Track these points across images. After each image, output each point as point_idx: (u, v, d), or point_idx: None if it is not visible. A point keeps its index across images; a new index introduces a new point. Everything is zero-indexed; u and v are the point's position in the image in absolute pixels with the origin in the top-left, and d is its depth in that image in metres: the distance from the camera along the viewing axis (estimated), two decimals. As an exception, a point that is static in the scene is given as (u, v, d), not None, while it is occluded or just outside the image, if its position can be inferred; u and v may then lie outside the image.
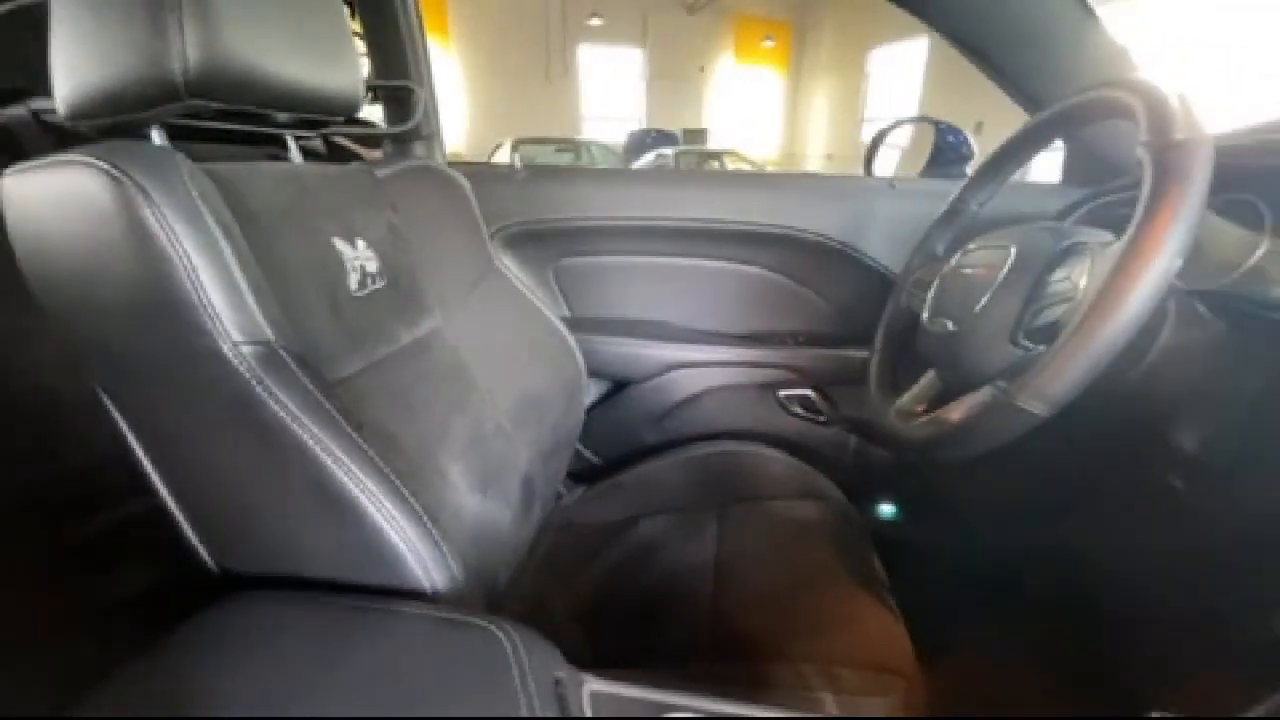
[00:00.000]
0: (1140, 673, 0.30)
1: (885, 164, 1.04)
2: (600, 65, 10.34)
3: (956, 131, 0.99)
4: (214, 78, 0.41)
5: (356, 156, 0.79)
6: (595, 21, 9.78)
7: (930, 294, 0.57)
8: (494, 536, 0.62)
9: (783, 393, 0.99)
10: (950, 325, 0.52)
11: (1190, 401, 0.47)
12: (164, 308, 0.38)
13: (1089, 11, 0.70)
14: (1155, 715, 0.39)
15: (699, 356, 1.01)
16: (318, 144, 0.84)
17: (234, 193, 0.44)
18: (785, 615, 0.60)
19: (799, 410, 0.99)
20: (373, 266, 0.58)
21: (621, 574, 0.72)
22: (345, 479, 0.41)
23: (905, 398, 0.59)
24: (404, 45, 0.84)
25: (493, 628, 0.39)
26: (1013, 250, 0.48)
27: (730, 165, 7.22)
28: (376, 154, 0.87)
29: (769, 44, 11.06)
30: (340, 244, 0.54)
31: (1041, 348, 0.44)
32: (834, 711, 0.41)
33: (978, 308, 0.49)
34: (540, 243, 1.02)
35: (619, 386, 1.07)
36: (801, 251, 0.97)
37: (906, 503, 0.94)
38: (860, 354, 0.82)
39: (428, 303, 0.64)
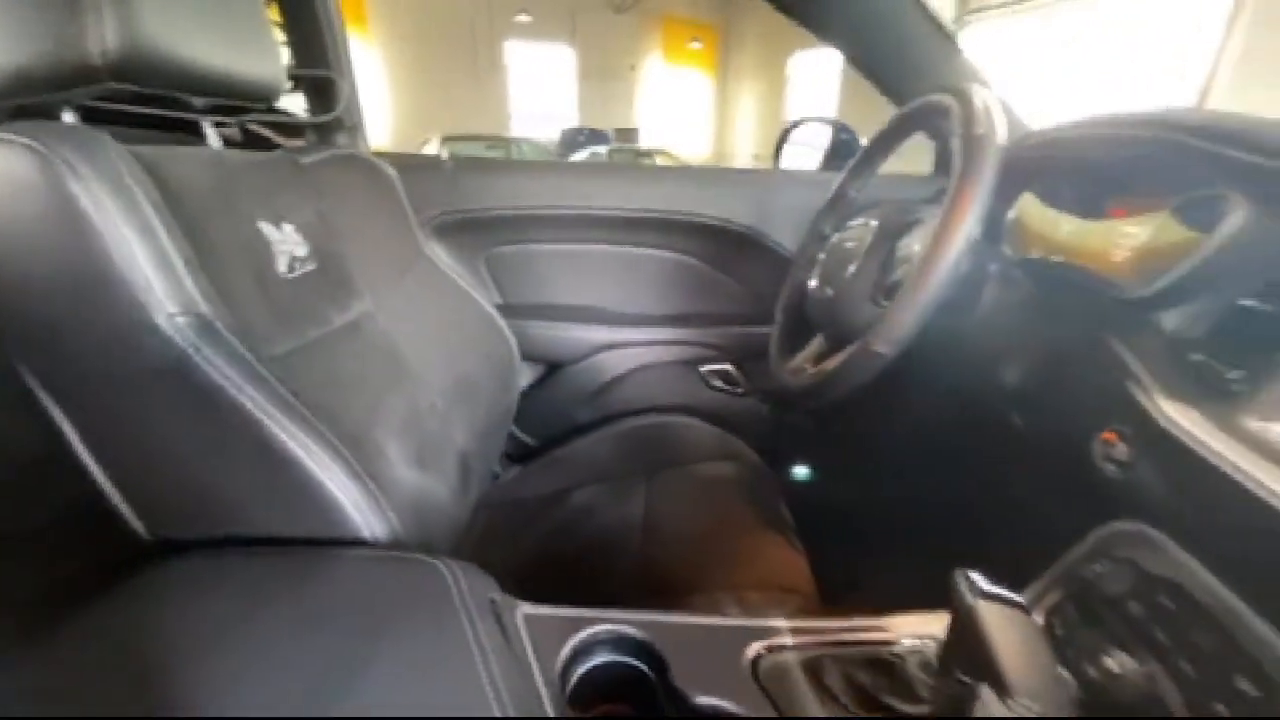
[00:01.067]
0: (997, 565, 0.38)
1: (800, 158, 1.15)
2: (530, 62, 10.22)
3: (850, 130, 1.11)
4: (134, 61, 0.42)
5: (276, 145, 0.79)
6: (523, 18, 9.67)
7: (816, 267, 0.66)
8: (432, 510, 0.64)
9: (704, 368, 1.07)
10: (830, 292, 0.61)
11: (1011, 347, 0.58)
12: (95, 282, 0.39)
13: (948, 36, 0.83)
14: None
15: (627, 337, 1.07)
16: (234, 132, 0.84)
17: (158, 173, 0.45)
18: (703, 557, 0.68)
19: (719, 383, 1.07)
20: (301, 251, 0.60)
21: (556, 540, 0.77)
22: (286, 438, 0.43)
23: (797, 358, 0.67)
24: (323, 34, 0.85)
25: (431, 559, 0.43)
26: (874, 225, 0.58)
27: (661, 164, 7.37)
28: (297, 143, 0.87)
29: (696, 46, 11.33)
30: (266, 227, 0.56)
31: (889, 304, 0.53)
32: (735, 622, 0.48)
33: (848, 274, 0.58)
34: (470, 232, 1.05)
35: (552, 369, 1.11)
36: (717, 238, 1.05)
37: (812, 461, 1.05)
38: (770, 330, 0.91)
39: (358, 287, 0.66)
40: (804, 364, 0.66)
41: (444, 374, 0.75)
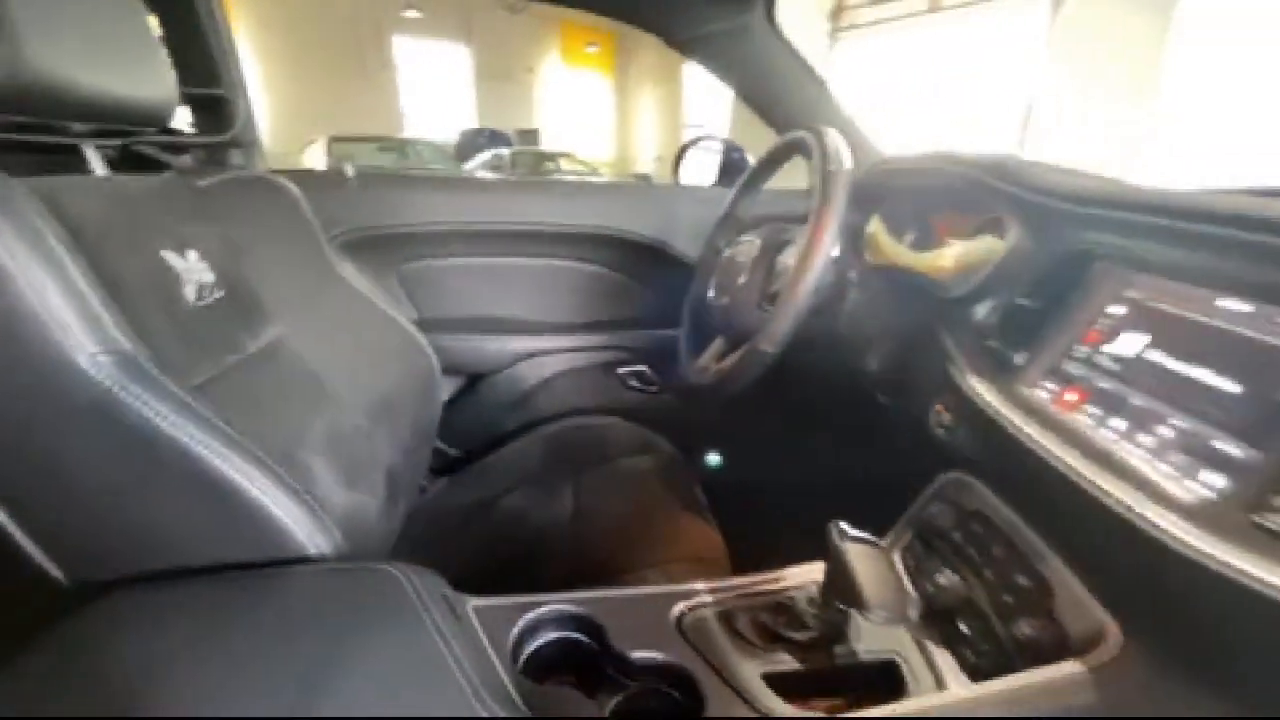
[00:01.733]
0: (869, 517, 0.48)
1: (701, 169, 1.25)
2: (422, 61, 9.80)
3: (739, 149, 1.23)
4: (19, 90, 0.42)
5: (164, 165, 0.76)
6: (411, 14, 9.25)
7: (712, 277, 0.75)
8: (364, 526, 0.66)
9: (621, 370, 1.15)
10: (725, 300, 0.71)
11: (871, 339, 0.70)
12: (9, 327, 0.38)
13: (819, 79, 0.97)
14: None
15: (545, 345, 1.12)
16: (113, 152, 0.79)
17: (59, 208, 0.44)
18: (630, 541, 0.75)
19: (635, 384, 1.15)
20: (208, 278, 0.59)
21: (490, 544, 0.81)
22: (224, 465, 0.44)
23: (703, 358, 0.77)
24: (211, 50, 0.82)
25: (384, 566, 0.46)
26: (757, 243, 0.68)
27: (566, 167, 7.37)
28: (184, 160, 0.84)
29: (593, 49, 11.42)
30: (171, 256, 0.56)
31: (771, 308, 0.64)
32: (660, 589, 0.56)
33: (738, 285, 0.67)
34: (381, 248, 1.05)
35: (473, 380, 1.14)
36: (627, 250, 1.13)
37: (722, 448, 1.16)
38: (679, 332, 1.00)
39: (269, 312, 0.65)
40: (708, 363, 0.75)
41: (365, 393, 0.76)
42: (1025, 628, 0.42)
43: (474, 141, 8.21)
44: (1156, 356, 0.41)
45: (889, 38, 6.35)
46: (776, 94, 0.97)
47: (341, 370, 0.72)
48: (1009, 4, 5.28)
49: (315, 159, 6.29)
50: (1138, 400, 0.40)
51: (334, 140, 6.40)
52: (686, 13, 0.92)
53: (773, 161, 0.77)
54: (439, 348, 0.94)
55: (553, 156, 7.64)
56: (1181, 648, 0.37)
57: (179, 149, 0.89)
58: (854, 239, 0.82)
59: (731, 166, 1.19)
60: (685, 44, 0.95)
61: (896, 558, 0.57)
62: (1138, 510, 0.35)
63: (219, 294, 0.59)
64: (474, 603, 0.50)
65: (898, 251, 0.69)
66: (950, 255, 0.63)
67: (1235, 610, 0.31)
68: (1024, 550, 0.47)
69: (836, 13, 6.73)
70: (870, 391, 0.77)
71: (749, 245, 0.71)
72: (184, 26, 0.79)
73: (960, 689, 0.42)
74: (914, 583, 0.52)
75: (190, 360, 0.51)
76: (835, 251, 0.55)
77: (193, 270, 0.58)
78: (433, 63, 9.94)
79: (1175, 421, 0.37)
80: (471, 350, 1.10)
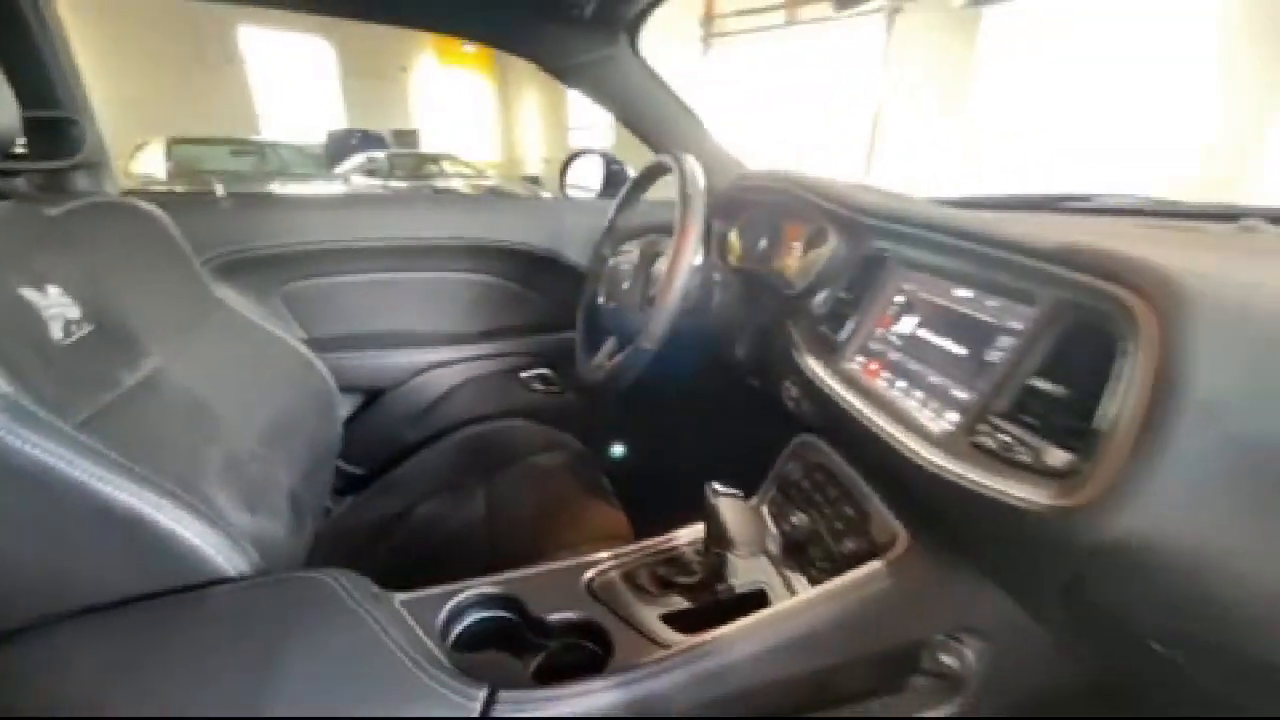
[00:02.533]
0: (745, 479, 0.60)
1: (587, 177, 1.33)
2: (277, 55, 8.94)
3: (619, 162, 1.33)
4: None
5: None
6: (257, 3, 8.38)
7: (601, 283, 0.84)
8: (274, 550, 0.67)
9: (524, 374, 1.20)
10: (612, 304, 0.80)
11: (736, 330, 0.83)
12: None
13: (685, 106, 1.09)
14: None
15: (446, 356, 1.15)
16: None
17: None
18: (542, 530, 0.81)
19: (539, 386, 1.21)
20: (74, 313, 0.58)
21: (405, 553, 0.83)
22: (128, 497, 0.45)
23: (597, 357, 0.85)
24: (49, 70, 0.77)
25: (310, 574, 0.50)
26: (636, 253, 0.78)
27: (450, 170, 7.09)
28: (19, 183, 0.77)
29: (470, 49, 11.07)
30: (29, 293, 0.54)
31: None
32: (571, 562, 0.63)
33: (623, 290, 0.77)
34: (261, 269, 1.02)
35: (373, 397, 1.14)
36: (520, 260, 1.18)
37: (623, 439, 1.25)
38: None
39: (144, 342, 0.64)
40: (602, 361, 0.84)
41: (258, 417, 0.75)
42: (849, 544, 0.55)
43: (344, 143, 7.67)
44: (923, 333, 0.56)
45: (755, 46, 6.85)
46: (647, 117, 1.08)
47: (230, 396, 0.72)
48: (853, 22, 5.93)
49: (150, 165, 5.52)
50: (912, 365, 0.55)
51: (174, 142, 5.66)
52: (556, 45, 1.00)
53: (644, 180, 0.87)
54: (334, 366, 0.93)
55: (434, 159, 7.31)
56: (945, 540, 0.51)
57: (11, 174, 0.81)
58: (720, 245, 0.95)
59: (613, 178, 1.29)
60: (558, 71, 1.03)
61: (765, 510, 0.70)
62: (909, 445, 0.48)
63: (88, 329, 0.58)
64: (400, 598, 0.55)
65: (752, 255, 0.83)
66: (793, 258, 0.77)
67: (967, 507, 0.45)
68: (850, 489, 0.61)
69: (707, 21, 7.16)
70: (740, 374, 0.90)
71: (630, 254, 0.81)
72: (18, 46, 0.73)
73: (803, 594, 0.55)
74: (776, 525, 0.65)
75: (68, 399, 0.50)
76: (698, 260, 0.66)
77: (55, 306, 0.56)
78: (289, 58, 9.10)
79: (932, 379, 0.52)
80: (368, 367, 1.10)
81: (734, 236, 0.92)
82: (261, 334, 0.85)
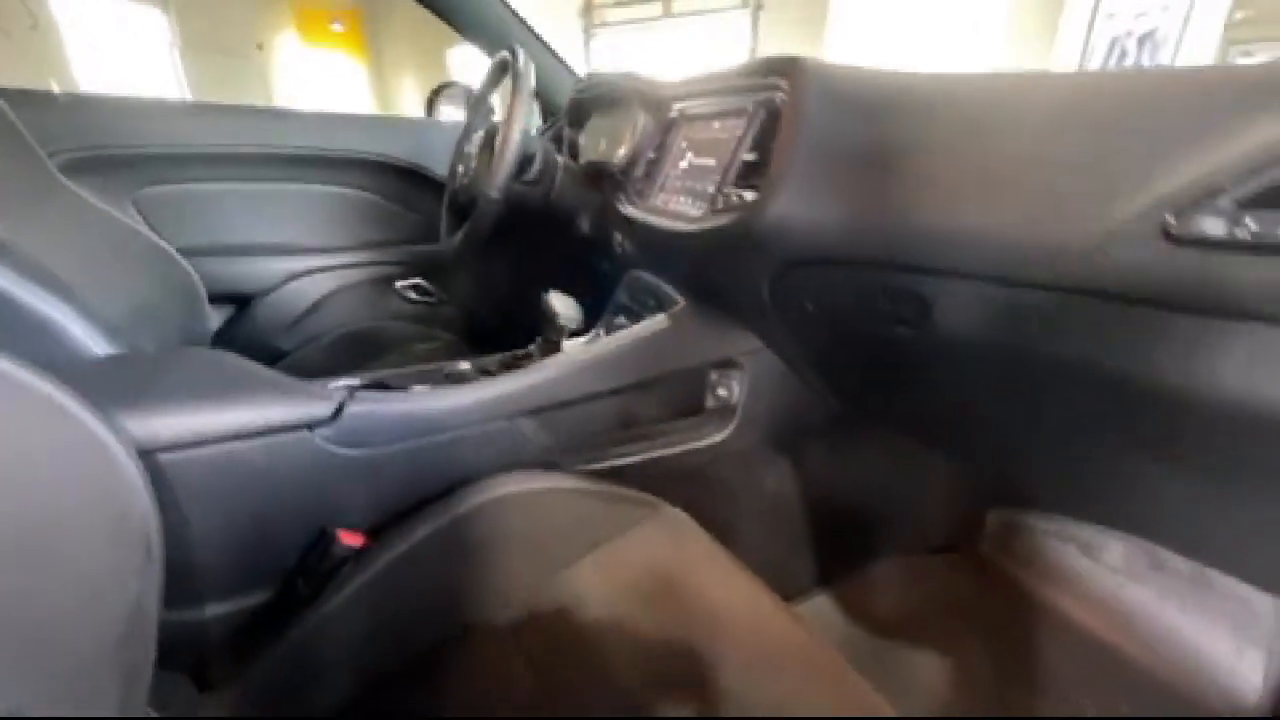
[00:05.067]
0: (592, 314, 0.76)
1: (454, 106, 1.41)
2: (101, 23, 7.80)
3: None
4: None
5: None
6: (72, -38, 7.29)
7: (461, 168, 0.96)
8: None
9: (398, 284, 1.28)
10: (466, 180, 0.92)
11: (582, 210, 0.99)
12: None
13: (529, 29, 1.22)
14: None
15: (317, 264, 1.19)
16: None
17: None
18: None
19: (413, 295, 1.29)
20: None
21: None
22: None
23: (456, 239, 0.97)
24: None
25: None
26: (482, 133, 0.90)
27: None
28: None
29: (338, 28, 10.36)
30: None
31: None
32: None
33: (474, 163, 0.89)
34: (111, 171, 1.01)
35: (241, 305, 1.16)
36: (387, 174, 1.25)
37: (495, 335, 1.36)
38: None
39: None
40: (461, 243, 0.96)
41: (121, 305, 0.75)
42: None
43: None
44: (696, 161, 0.74)
45: (635, 36, 7.13)
46: (489, 25, 1.20)
47: (88, 279, 0.70)
48: (723, 17, 6.38)
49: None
50: (689, 183, 0.73)
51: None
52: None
53: (494, 75, 1.00)
54: (203, 272, 0.95)
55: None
56: (710, 297, 0.70)
57: None
58: (571, 147, 1.11)
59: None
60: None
61: (603, 330, 0.86)
62: (679, 228, 0.66)
63: None
64: None
65: (593, 152, 0.99)
66: (621, 143, 0.94)
67: (709, 246, 0.63)
68: (658, 292, 0.78)
69: (587, 10, 7.33)
70: (586, 247, 1.05)
71: (478, 136, 0.94)
72: None
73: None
74: (607, 332, 0.81)
75: None
76: (533, 124, 0.80)
77: None
78: (116, 28, 7.99)
79: (698, 186, 0.70)
80: (234, 273, 1.12)
81: (582, 139, 1.08)
82: (120, 226, 0.86)
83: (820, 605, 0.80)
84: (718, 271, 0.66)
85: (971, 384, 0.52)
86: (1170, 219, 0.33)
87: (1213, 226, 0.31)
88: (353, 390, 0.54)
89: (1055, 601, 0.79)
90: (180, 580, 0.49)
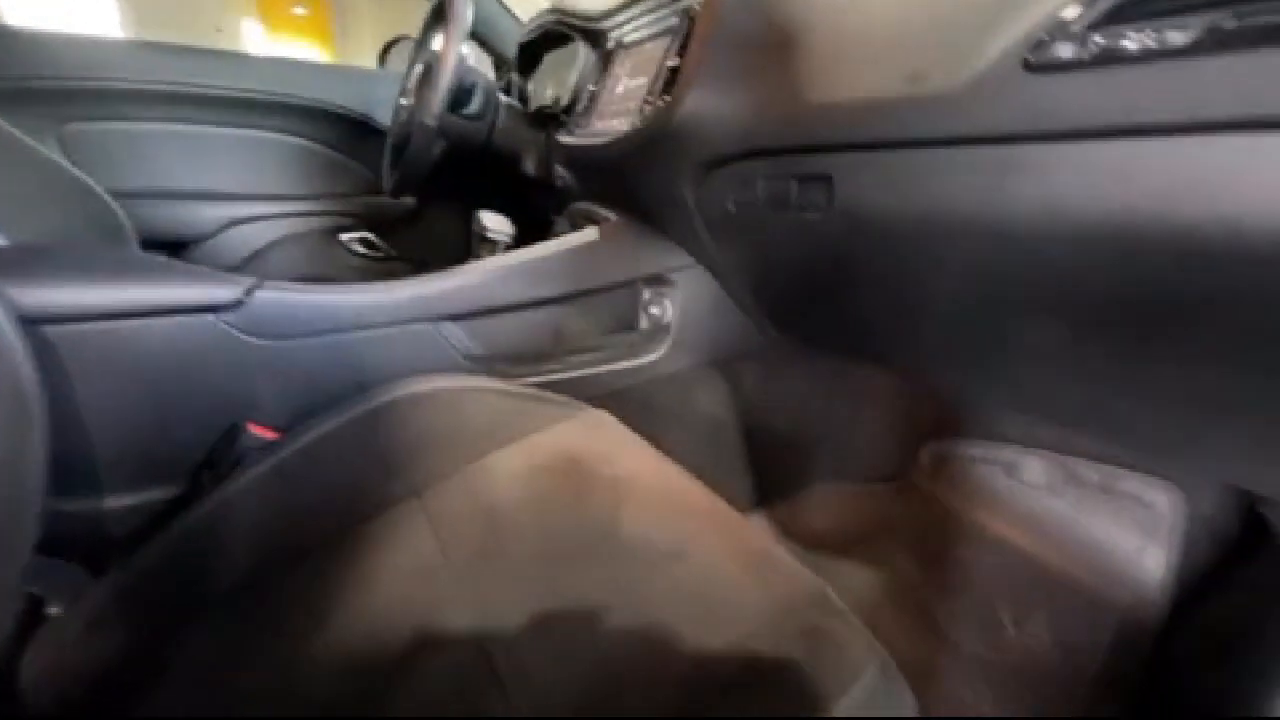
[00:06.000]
0: None
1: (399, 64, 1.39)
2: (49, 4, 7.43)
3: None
4: None
5: None
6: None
7: (406, 101, 0.96)
8: None
9: (343, 236, 1.25)
10: (405, 115, 0.91)
11: (526, 151, 0.98)
12: None
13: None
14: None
15: (259, 211, 1.16)
16: None
17: None
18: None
19: (360, 249, 1.27)
20: None
21: None
22: None
23: (395, 176, 0.96)
24: None
25: None
26: (421, 68, 0.89)
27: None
28: None
29: (300, 12, 10.07)
30: None
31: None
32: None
33: (413, 98, 0.88)
34: (32, 105, 0.96)
35: (174, 252, 1.12)
36: (335, 123, 1.22)
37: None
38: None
39: None
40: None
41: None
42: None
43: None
44: (630, 83, 0.74)
45: None
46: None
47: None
48: None
49: None
50: (625, 104, 0.73)
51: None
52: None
53: (432, 17, 0.99)
54: (133, 214, 0.91)
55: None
56: (635, 212, 0.71)
57: None
58: (520, 95, 1.10)
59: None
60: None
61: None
62: (609, 142, 0.66)
63: None
64: None
65: (541, 99, 0.99)
66: (566, 83, 0.94)
67: (635, 167, 0.63)
68: (594, 217, 0.78)
69: None
70: (528, 185, 1.04)
71: (417, 70, 0.93)
72: None
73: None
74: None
75: None
76: (466, 53, 0.80)
77: None
78: (66, 10, 7.63)
79: (632, 103, 0.70)
80: (167, 217, 1.09)
81: (531, 87, 1.08)
82: (41, 161, 0.82)
83: (753, 522, 0.81)
84: (643, 181, 0.66)
85: (883, 274, 0.53)
86: (1028, 54, 0.34)
87: (1065, 51, 0.33)
88: (262, 279, 0.53)
89: (980, 519, 0.81)
90: (77, 467, 0.47)
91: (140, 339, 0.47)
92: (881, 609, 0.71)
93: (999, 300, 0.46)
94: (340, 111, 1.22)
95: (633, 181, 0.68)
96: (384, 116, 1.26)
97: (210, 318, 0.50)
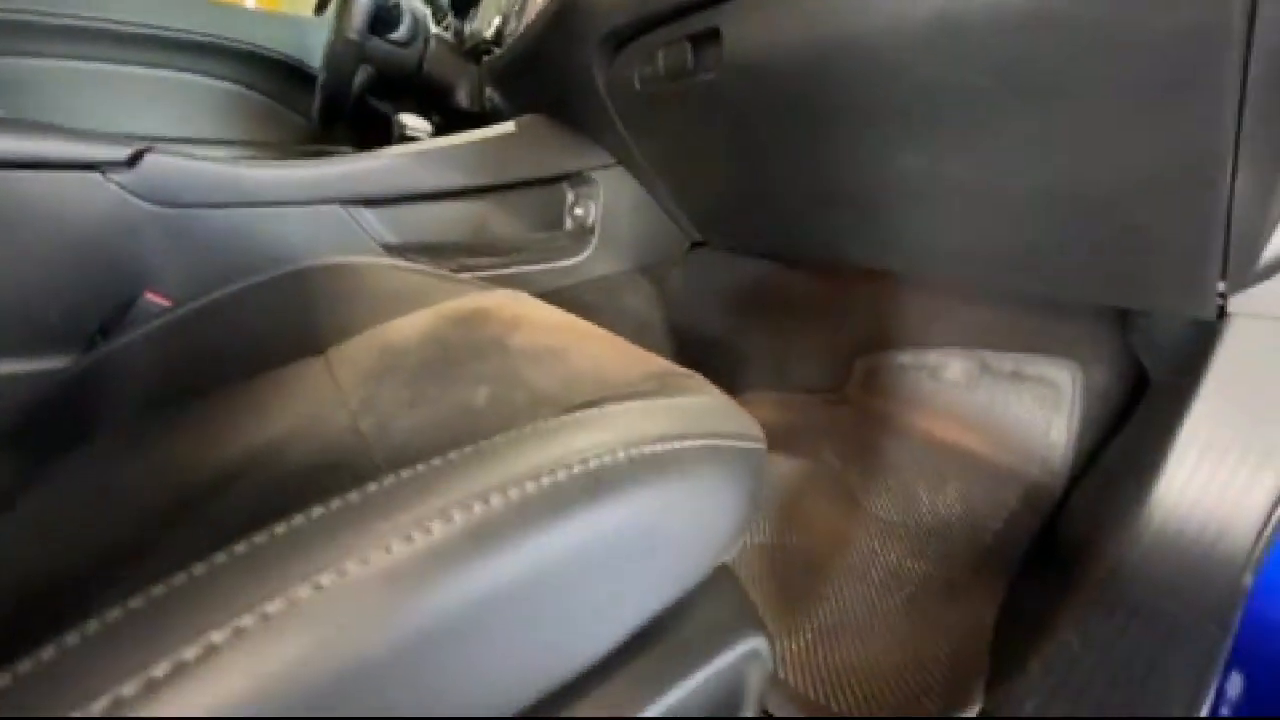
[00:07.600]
0: None
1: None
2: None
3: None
4: None
5: None
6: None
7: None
8: None
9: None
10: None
11: (459, 82, 0.98)
12: None
13: None
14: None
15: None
16: None
17: None
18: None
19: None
20: None
21: None
22: None
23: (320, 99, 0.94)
24: None
25: None
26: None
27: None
28: None
29: None
30: None
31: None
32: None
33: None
34: None
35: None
36: (269, 68, 1.19)
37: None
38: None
39: None
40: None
41: None
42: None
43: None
44: None
45: None
46: None
47: None
48: None
49: None
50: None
51: None
52: None
53: None
54: None
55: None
56: (552, 110, 0.71)
57: None
58: (458, 35, 1.10)
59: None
60: None
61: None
62: (520, 35, 0.67)
63: None
64: None
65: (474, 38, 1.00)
66: (492, 16, 0.94)
67: (544, 57, 0.64)
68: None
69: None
70: (462, 119, 1.04)
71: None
72: None
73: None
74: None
75: None
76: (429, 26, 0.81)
77: None
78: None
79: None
80: None
81: (469, 28, 1.08)
82: None
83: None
84: (555, 71, 0.67)
85: (780, 136, 0.55)
86: None
87: None
88: (156, 143, 0.52)
89: (905, 418, 0.85)
90: None
91: (19, 192, 0.46)
92: (803, 491, 0.73)
93: (878, 137, 0.48)
94: (274, 56, 1.19)
95: (545, 74, 0.68)
96: (314, 59, 1.23)
97: (96, 176, 0.48)
